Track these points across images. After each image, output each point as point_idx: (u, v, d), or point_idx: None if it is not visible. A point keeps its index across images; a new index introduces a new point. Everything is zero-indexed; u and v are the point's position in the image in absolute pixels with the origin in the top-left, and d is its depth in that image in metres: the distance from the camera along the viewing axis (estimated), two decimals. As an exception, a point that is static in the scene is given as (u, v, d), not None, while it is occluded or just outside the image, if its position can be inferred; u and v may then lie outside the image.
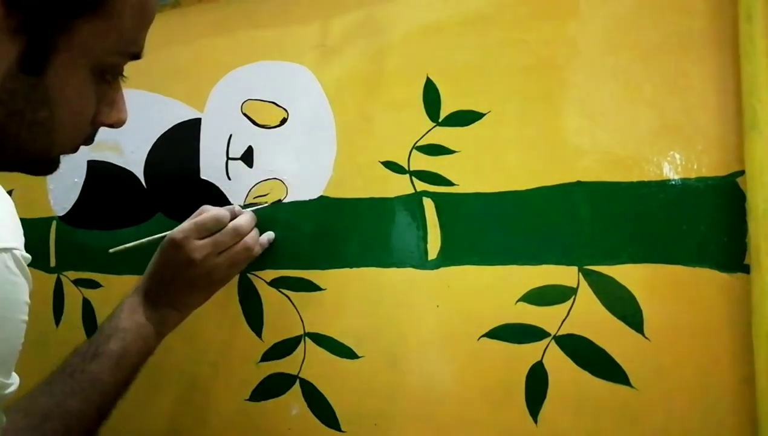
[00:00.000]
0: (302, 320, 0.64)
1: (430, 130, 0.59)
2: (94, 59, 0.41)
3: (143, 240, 0.63)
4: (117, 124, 0.46)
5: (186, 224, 0.60)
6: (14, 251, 0.37)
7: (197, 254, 0.59)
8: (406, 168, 0.60)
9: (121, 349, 0.56)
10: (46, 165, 0.45)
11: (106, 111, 0.45)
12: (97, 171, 0.76)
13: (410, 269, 0.59)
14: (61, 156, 0.45)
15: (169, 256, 0.60)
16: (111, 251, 0.62)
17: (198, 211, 0.62)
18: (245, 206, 0.66)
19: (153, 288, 0.60)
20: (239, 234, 0.61)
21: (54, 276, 0.78)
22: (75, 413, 0.52)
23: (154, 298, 0.60)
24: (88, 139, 0.46)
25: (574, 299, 0.53)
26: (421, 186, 0.59)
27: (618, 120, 0.52)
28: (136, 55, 0.44)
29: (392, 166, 0.61)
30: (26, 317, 0.38)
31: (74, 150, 0.45)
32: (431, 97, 0.59)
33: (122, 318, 0.58)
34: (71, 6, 0.38)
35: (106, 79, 0.43)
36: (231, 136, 0.68)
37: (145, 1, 0.43)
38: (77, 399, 0.52)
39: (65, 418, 0.51)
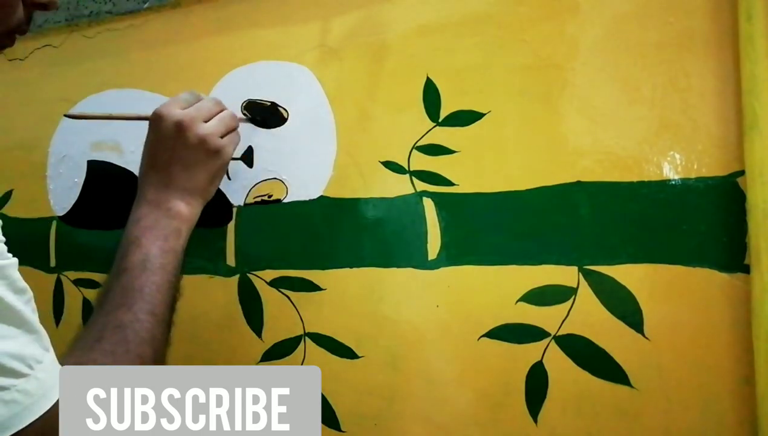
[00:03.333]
0: (302, 320, 0.64)
1: (430, 130, 0.59)
2: None
3: (108, 113, 0.56)
4: (50, 3, 0.45)
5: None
6: None
7: (183, 117, 0.55)
8: (406, 168, 0.60)
9: (143, 255, 0.51)
10: None
11: None
12: (97, 171, 0.76)
13: (410, 269, 0.59)
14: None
15: (154, 130, 0.56)
16: (66, 114, 0.54)
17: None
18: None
19: (147, 182, 0.56)
20: (220, 103, 0.59)
21: (54, 276, 0.78)
22: (126, 323, 0.47)
23: (152, 196, 0.55)
24: (22, 26, 0.44)
25: (574, 299, 0.53)
26: (421, 186, 0.59)
27: (618, 120, 0.52)
28: None
29: (392, 166, 0.61)
30: None
31: (10, 36, 0.44)
32: (431, 97, 0.59)
33: (128, 232, 0.53)
34: None
35: None
36: (231, 136, 0.68)
37: None
38: (121, 311, 0.47)
39: (117, 331, 0.46)
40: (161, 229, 0.54)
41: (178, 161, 0.56)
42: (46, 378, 0.37)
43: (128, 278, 0.50)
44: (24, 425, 0.36)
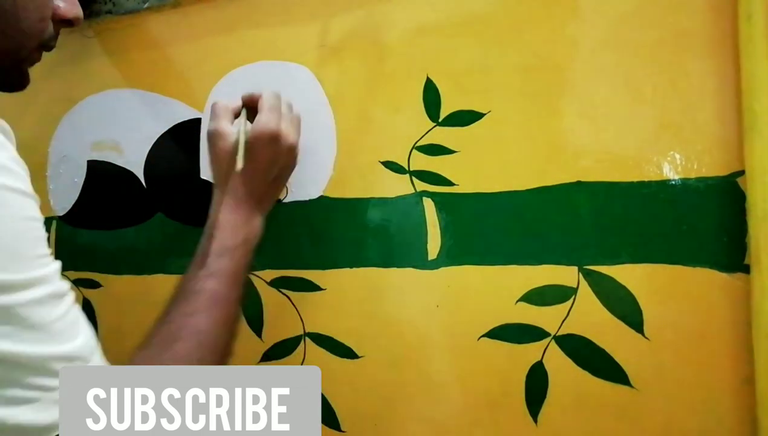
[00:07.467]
0: (302, 320, 0.64)
1: (430, 130, 0.59)
2: None
3: (242, 141, 0.56)
4: (75, 19, 0.49)
5: (264, 114, 0.57)
6: None
7: (294, 141, 0.58)
8: (406, 168, 0.60)
9: (234, 266, 0.54)
10: (17, 74, 0.49)
11: (63, 6, 0.48)
12: (97, 171, 0.76)
13: (410, 269, 0.59)
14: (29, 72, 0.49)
15: (272, 146, 0.56)
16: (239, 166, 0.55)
17: (217, 104, 0.59)
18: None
19: (249, 194, 0.56)
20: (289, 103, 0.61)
21: (54, 276, 0.78)
22: (203, 330, 0.49)
23: (251, 206, 0.57)
24: (51, 41, 0.49)
25: (574, 299, 0.53)
26: (421, 186, 0.59)
27: (618, 120, 0.52)
28: None
29: (392, 166, 0.61)
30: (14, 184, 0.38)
31: (39, 50, 0.48)
32: (431, 97, 0.59)
33: (228, 237, 0.55)
34: None
35: None
36: (231, 136, 0.68)
37: None
38: (202, 317, 0.49)
39: (194, 336, 0.48)
40: (249, 243, 0.56)
41: (278, 180, 0.59)
42: None
43: (217, 284, 0.52)
44: None
